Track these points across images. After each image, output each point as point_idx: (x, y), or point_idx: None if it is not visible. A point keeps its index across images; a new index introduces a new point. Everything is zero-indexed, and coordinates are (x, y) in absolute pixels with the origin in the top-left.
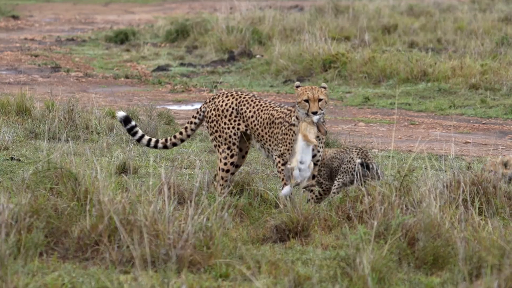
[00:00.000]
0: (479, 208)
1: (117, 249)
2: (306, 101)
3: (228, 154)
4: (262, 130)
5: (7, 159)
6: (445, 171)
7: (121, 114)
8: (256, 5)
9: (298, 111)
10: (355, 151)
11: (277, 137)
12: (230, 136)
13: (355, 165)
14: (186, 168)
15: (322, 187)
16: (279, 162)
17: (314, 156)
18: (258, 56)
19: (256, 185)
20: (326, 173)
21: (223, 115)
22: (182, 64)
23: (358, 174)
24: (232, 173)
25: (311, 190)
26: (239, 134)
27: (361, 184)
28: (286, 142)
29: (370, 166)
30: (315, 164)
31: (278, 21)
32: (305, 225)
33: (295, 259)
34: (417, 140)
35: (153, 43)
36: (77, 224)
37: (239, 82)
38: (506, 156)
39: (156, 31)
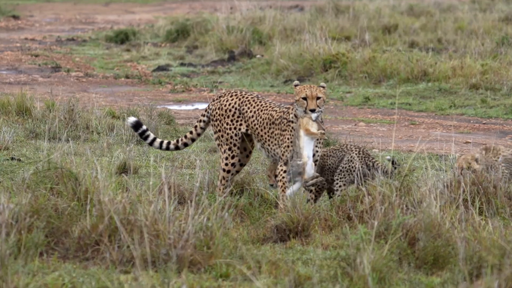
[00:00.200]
0: (479, 208)
1: (118, 249)
2: (304, 98)
3: (229, 154)
4: (261, 130)
5: (8, 159)
6: (446, 171)
7: (131, 119)
8: (256, 5)
9: (297, 109)
10: (355, 150)
11: (277, 137)
12: (231, 137)
13: (355, 164)
14: (186, 168)
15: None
16: (282, 170)
17: (313, 155)
18: (258, 56)
19: (257, 185)
20: (317, 171)
21: (226, 115)
22: (182, 64)
23: (383, 172)
24: (237, 171)
25: (311, 191)
26: (240, 135)
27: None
28: (285, 138)
29: (396, 162)
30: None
31: (278, 21)
32: (306, 225)
33: (295, 259)
34: (418, 140)
35: (154, 43)
36: (78, 224)
37: (239, 82)
38: (476, 153)
39: (156, 31)
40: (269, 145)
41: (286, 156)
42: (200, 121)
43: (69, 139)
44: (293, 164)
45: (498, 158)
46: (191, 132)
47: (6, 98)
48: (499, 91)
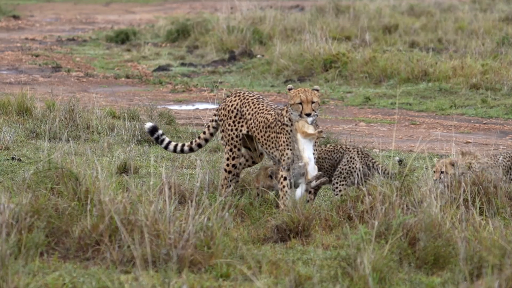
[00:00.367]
0: (480, 208)
1: (118, 249)
2: (300, 103)
3: (230, 155)
4: (258, 133)
5: (8, 159)
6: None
7: (148, 125)
8: (257, 5)
9: (291, 113)
10: (353, 150)
11: (273, 140)
12: (232, 138)
13: (356, 165)
14: (186, 168)
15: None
16: (282, 176)
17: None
18: (259, 56)
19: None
20: None
21: (228, 115)
22: (183, 64)
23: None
24: (250, 165)
25: (310, 191)
26: (240, 136)
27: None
28: (280, 141)
29: (404, 163)
30: None
31: (279, 21)
32: (306, 225)
33: (296, 259)
34: (418, 140)
35: (154, 43)
36: (78, 224)
37: (239, 82)
38: (454, 156)
39: (157, 31)
40: (266, 148)
41: (285, 161)
42: (212, 120)
43: (70, 139)
44: (295, 167)
45: (472, 165)
46: (204, 133)
47: (7, 98)
48: (500, 91)
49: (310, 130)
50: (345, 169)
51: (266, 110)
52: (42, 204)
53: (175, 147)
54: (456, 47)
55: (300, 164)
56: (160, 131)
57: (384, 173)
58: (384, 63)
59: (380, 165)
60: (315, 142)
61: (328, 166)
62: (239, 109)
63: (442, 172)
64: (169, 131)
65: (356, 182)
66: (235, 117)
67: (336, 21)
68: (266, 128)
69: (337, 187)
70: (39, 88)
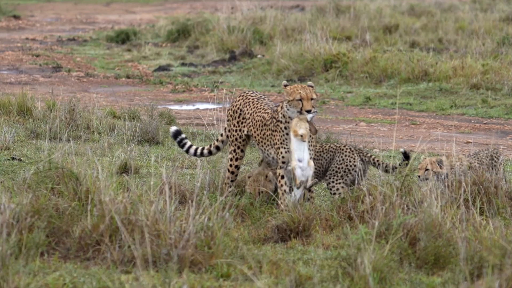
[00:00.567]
0: (480, 208)
1: (119, 249)
2: (299, 100)
3: (233, 156)
4: (255, 132)
5: (9, 159)
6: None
7: (173, 128)
8: (257, 5)
9: (288, 109)
10: (350, 149)
11: (269, 138)
12: (236, 139)
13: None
14: (187, 168)
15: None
16: (279, 174)
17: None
18: (259, 56)
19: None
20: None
21: (233, 116)
22: (183, 64)
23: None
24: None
25: (311, 190)
26: (243, 137)
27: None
28: (275, 139)
29: (408, 155)
30: None
31: (279, 21)
32: (306, 225)
33: (296, 259)
34: (418, 140)
35: (154, 43)
36: (78, 224)
37: (240, 82)
38: (441, 155)
39: (157, 31)
40: (262, 145)
41: (281, 159)
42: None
43: (70, 139)
44: (287, 170)
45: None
46: (221, 135)
47: (7, 98)
48: (500, 91)
49: (301, 130)
50: (342, 167)
51: (263, 109)
52: (42, 204)
53: (195, 151)
54: (457, 47)
55: (288, 168)
56: (183, 135)
57: (380, 165)
58: (385, 63)
59: (376, 159)
60: (311, 142)
61: (317, 166)
62: (242, 109)
63: (427, 170)
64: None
65: (356, 181)
66: (238, 117)
67: (337, 21)
68: (262, 126)
69: (333, 186)
70: (40, 88)
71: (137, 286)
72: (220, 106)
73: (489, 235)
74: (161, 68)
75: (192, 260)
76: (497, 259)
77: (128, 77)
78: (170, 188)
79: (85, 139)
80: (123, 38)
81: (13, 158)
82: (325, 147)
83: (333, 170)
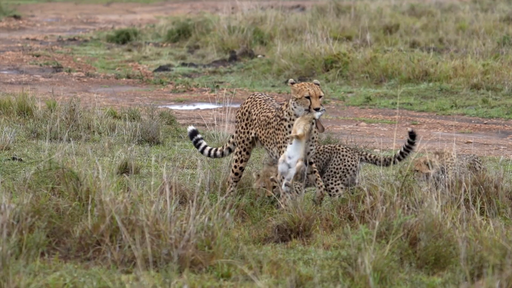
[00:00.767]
0: (480, 208)
1: (119, 249)
2: (308, 97)
3: (238, 158)
4: (260, 131)
5: (9, 159)
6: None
7: (190, 128)
8: (257, 5)
9: (295, 107)
10: (346, 149)
11: (272, 136)
12: (243, 141)
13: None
14: (187, 168)
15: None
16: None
17: (308, 153)
18: (259, 56)
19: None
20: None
21: (242, 118)
22: (183, 64)
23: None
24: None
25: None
26: (250, 139)
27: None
28: (278, 137)
29: (415, 135)
30: (311, 163)
31: (279, 21)
32: (307, 225)
33: (296, 259)
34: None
35: (155, 43)
36: (79, 224)
37: (240, 82)
38: (431, 155)
39: (157, 31)
40: (267, 144)
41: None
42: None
43: (71, 139)
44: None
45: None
46: (232, 137)
47: (8, 98)
48: (500, 91)
49: (299, 130)
50: (340, 168)
51: (268, 109)
52: (43, 204)
53: (209, 152)
54: (457, 47)
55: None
56: (199, 135)
57: (376, 160)
58: (385, 63)
59: (372, 155)
60: (312, 143)
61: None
62: (250, 111)
63: (417, 171)
64: (170, 131)
65: (356, 181)
66: (246, 119)
67: (337, 21)
68: (266, 124)
69: (333, 188)
70: (40, 88)
71: (137, 286)
72: (221, 106)
73: (489, 235)
74: (161, 68)
75: (193, 260)
76: (497, 259)
77: (128, 77)
78: (170, 188)
79: (86, 139)
80: (124, 38)
81: (13, 158)
82: (320, 148)
83: (331, 171)
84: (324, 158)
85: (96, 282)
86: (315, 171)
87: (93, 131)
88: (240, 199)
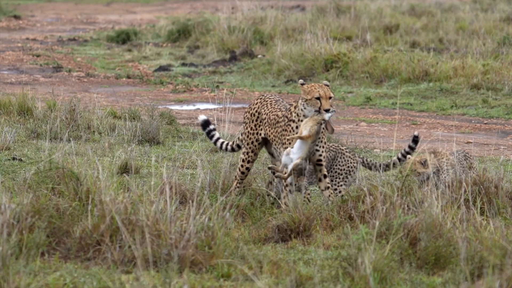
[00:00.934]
0: (481, 208)
1: (119, 249)
2: (318, 98)
3: (245, 157)
4: (269, 131)
5: (9, 159)
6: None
7: (201, 118)
8: (257, 5)
9: (305, 108)
10: (347, 150)
11: (279, 135)
12: (252, 142)
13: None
14: (187, 168)
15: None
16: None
17: (313, 154)
18: (259, 56)
19: (258, 185)
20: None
21: (251, 119)
22: (183, 64)
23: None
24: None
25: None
26: (260, 140)
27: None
28: (284, 138)
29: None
30: (320, 164)
31: (280, 21)
32: (307, 225)
33: (296, 259)
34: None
35: (155, 43)
36: (79, 224)
37: (240, 82)
38: (424, 155)
39: (157, 31)
40: (275, 144)
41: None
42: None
43: (71, 139)
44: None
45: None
46: (242, 134)
47: (8, 98)
48: (501, 91)
49: (305, 131)
50: (344, 169)
51: (279, 108)
52: (43, 204)
53: (221, 145)
54: (457, 47)
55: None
56: (211, 126)
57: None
58: (385, 63)
59: (369, 159)
60: (319, 143)
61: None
62: (259, 111)
63: (413, 171)
64: (170, 131)
65: (357, 181)
66: (256, 120)
67: (337, 21)
68: (275, 123)
69: (336, 189)
70: (40, 88)
71: (137, 286)
72: (221, 106)
73: (489, 235)
74: (161, 68)
75: (193, 260)
76: (497, 259)
77: (128, 77)
78: (170, 188)
79: (86, 139)
80: (124, 38)
81: (13, 158)
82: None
83: (336, 172)
84: (330, 156)
85: (96, 282)
86: (326, 175)
87: (93, 131)
88: (240, 199)
